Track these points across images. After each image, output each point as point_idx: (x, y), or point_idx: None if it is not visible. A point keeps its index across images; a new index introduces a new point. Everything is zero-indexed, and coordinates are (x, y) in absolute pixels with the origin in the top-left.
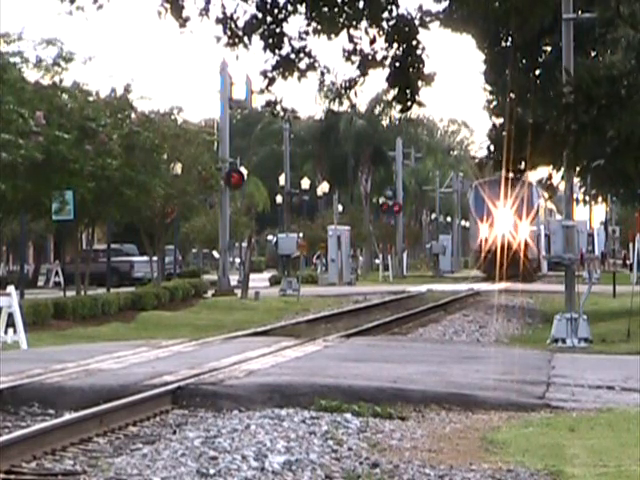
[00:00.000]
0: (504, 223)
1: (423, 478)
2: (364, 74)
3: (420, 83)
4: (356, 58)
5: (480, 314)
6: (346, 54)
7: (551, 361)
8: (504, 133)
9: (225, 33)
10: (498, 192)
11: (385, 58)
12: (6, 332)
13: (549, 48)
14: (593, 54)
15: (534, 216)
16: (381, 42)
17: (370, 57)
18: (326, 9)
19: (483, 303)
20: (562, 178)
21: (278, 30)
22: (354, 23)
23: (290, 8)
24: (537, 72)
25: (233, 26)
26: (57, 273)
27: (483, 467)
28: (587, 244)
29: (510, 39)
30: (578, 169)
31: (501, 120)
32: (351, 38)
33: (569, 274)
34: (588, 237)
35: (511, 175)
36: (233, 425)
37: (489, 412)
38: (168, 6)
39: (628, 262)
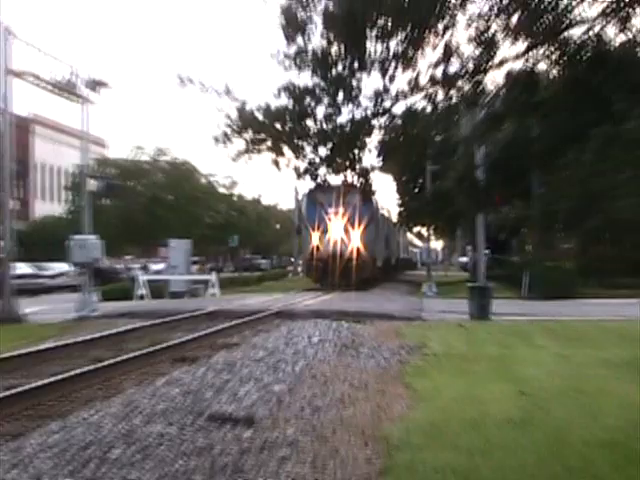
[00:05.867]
0: (337, 230)
1: (372, 344)
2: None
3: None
4: None
5: (398, 285)
6: None
7: (422, 302)
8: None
9: None
10: (331, 199)
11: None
12: (212, 289)
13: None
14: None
15: (367, 224)
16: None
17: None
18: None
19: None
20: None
21: None
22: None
23: None
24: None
25: None
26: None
27: (396, 342)
28: (431, 255)
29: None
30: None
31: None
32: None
33: (429, 267)
34: (431, 251)
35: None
36: (299, 325)
37: (399, 321)
38: None
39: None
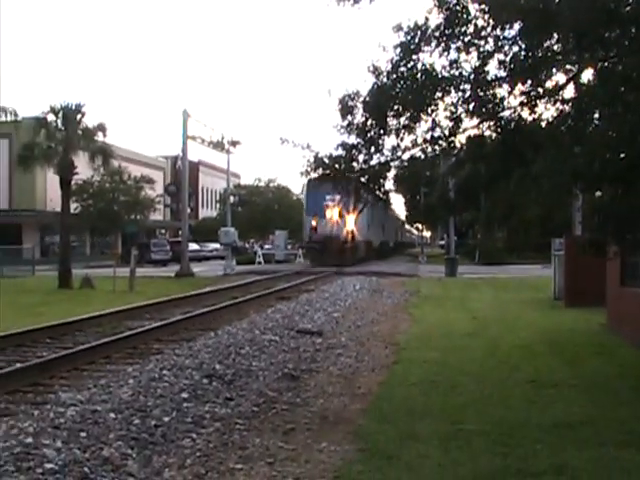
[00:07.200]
0: (332, 216)
1: (389, 290)
2: None
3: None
4: None
5: (403, 257)
6: None
7: (417, 266)
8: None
9: None
10: (329, 189)
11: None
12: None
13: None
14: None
15: (358, 213)
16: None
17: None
18: None
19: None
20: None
21: None
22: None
23: None
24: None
25: None
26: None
27: (402, 289)
28: (423, 239)
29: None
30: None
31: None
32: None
33: (422, 246)
34: (424, 237)
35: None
36: (348, 279)
37: (404, 277)
38: None
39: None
